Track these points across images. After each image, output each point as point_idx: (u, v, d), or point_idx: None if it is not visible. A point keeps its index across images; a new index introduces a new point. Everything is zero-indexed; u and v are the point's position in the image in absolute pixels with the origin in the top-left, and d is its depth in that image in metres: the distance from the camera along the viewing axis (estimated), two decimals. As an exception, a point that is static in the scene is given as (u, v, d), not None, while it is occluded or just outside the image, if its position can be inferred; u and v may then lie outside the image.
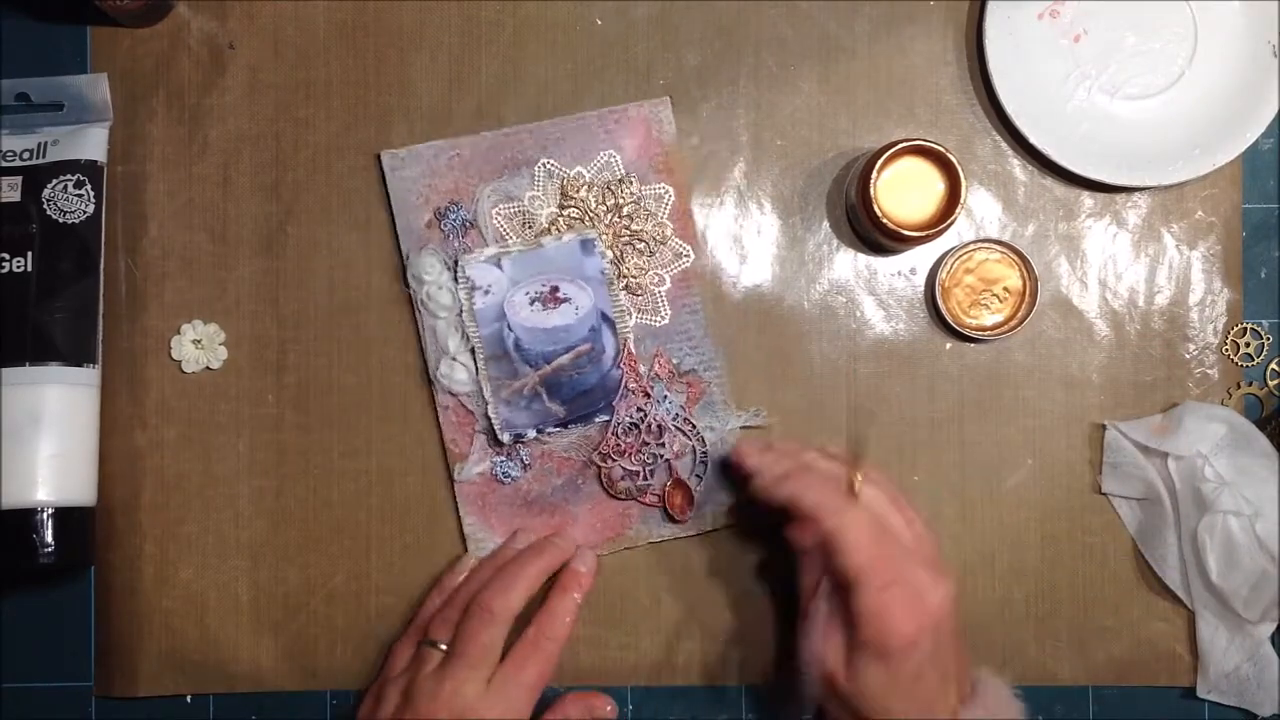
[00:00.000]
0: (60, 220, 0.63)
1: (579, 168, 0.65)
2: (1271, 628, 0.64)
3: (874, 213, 0.62)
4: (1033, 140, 0.65)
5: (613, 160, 0.65)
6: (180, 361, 0.66)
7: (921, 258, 0.67)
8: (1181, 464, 0.64)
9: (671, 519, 0.65)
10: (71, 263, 0.63)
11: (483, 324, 0.64)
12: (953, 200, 0.62)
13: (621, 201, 0.65)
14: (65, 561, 0.62)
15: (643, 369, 0.65)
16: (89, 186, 0.64)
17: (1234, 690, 0.65)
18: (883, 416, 0.66)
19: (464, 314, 0.64)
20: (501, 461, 0.65)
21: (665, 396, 0.65)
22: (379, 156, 0.65)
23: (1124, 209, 0.67)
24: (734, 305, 0.66)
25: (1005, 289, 0.66)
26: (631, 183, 0.65)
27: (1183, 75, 0.66)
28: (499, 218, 0.65)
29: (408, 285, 0.65)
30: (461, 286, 0.64)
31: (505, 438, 0.65)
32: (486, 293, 0.64)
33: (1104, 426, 0.66)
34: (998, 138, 0.67)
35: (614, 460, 0.65)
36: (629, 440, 0.65)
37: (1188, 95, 0.66)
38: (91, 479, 0.64)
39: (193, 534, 0.66)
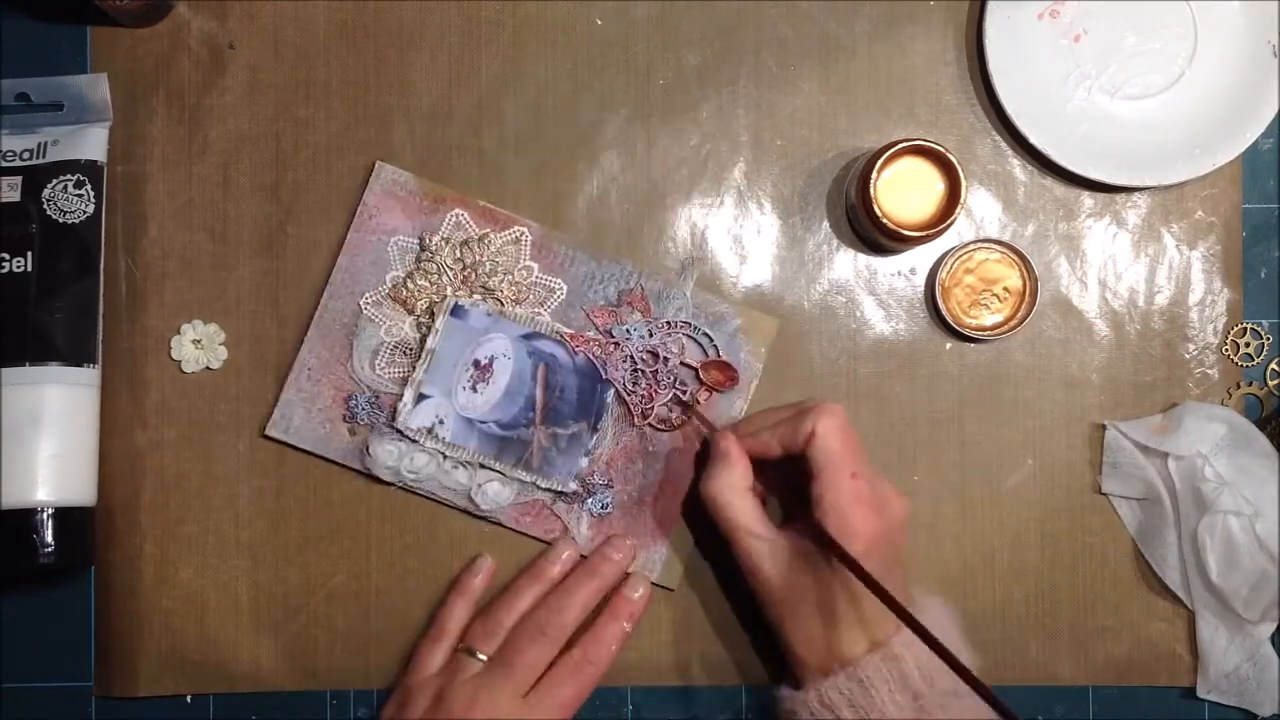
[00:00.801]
0: (60, 220, 0.63)
1: (393, 273, 0.65)
2: (1271, 628, 0.64)
3: (874, 213, 0.62)
4: (1033, 140, 0.65)
5: (408, 245, 0.65)
6: (180, 361, 0.66)
7: (921, 258, 0.67)
8: (1181, 464, 0.64)
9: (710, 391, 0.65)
10: (71, 263, 0.63)
11: (466, 442, 0.64)
12: (953, 200, 0.62)
13: (479, 258, 0.64)
14: (65, 561, 0.62)
15: (591, 333, 0.65)
16: (89, 186, 0.64)
17: (1234, 690, 0.65)
18: (883, 416, 0.66)
19: (447, 454, 0.64)
20: (592, 503, 0.65)
21: (625, 328, 0.64)
22: (266, 435, 0.65)
23: (1124, 209, 0.67)
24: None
25: (1005, 289, 0.66)
26: (489, 238, 0.65)
27: (1183, 75, 0.66)
28: (383, 372, 0.65)
29: (392, 483, 0.65)
30: (422, 440, 0.64)
31: (574, 486, 0.65)
32: (442, 422, 0.64)
33: (1104, 426, 0.66)
34: (998, 138, 0.67)
35: (650, 409, 0.65)
36: (644, 387, 0.65)
37: (1188, 95, 0.66)
38: (91, 479, 0.64)
39: (193, 534, 0.66)
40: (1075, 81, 0.66)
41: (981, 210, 0.67)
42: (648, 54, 0.67)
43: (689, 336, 0.65)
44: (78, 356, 0.63)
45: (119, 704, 0.67)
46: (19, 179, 0.64)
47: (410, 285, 0.64)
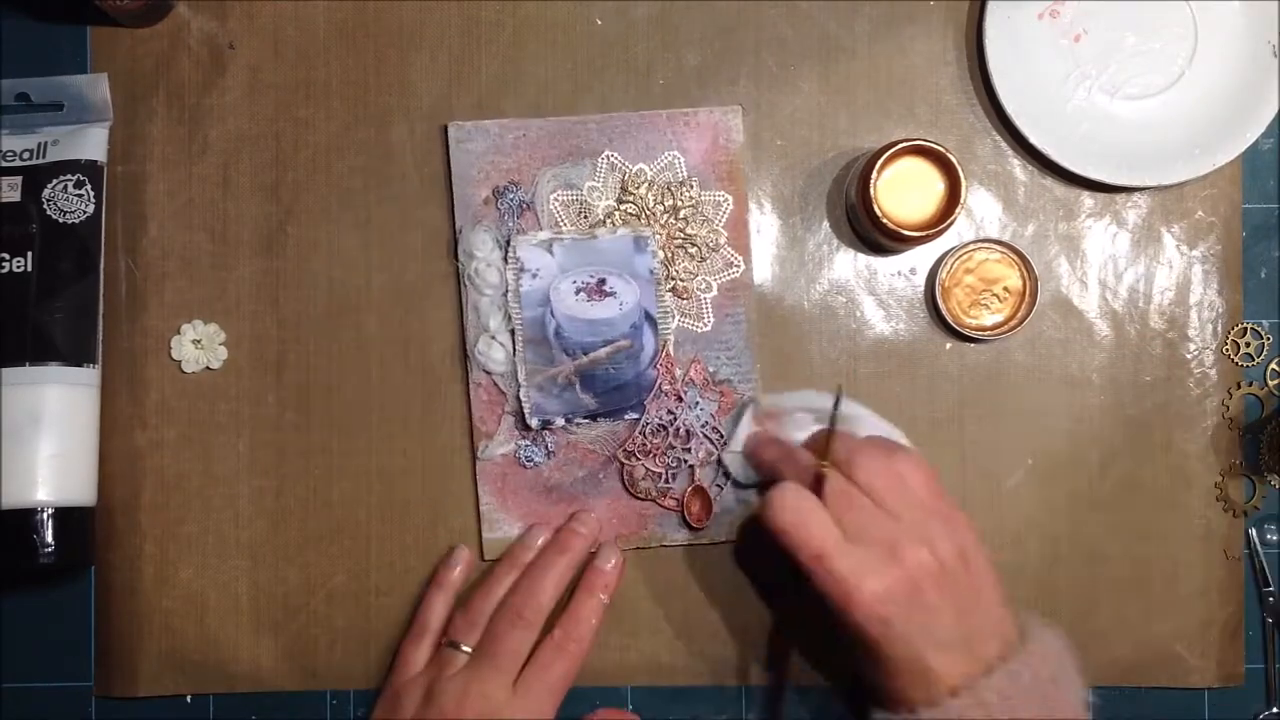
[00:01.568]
0: (60, 220, 0.63)
1: (641, 165, 0.65)
2: None
3: (874, 213, 0.62)
4: (1033, 140, 0.65)
5: (676, 161, 0.65)
6: (180, 361, 0.66)
7: (921, 258, 0.67)
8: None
9: (688, 525, 0.65)
10: (71, 263, 0.63)
11: (526, 307, 0.64)
12: (953, 200, 0.62)
13: (679, 204, 0.65)
14: (65, 561, 0.62)
15: (678, 372, 0.65)
16: (89, 186, 0.64)
17: None
18: (883, 416, 0.66)
19: (509, 294, 0.64)
20: (527, 445, 0.65)
21: (697, 403, 0.65)
22: (445, 128, 0.65)
23: (1124, 209, 0.67)
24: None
25: (1005, 289, 0.66)
26: (692, 186, 0.65)
27: (1183, 75, 0.66)
28: (556, 204, 0.65)
29: (457, 258, 0.65)
30: (510, 267, 0.64)
31: (534, 422, 0.65)
32: (534, 276, 0.64)
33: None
34: (998, 138, 0.67)
35: (638, 459, 0.65)
36: (656, 441, 0.65)
37: (1188, 95, 0.66)
38: (91, 479, 0.64)
39: (193, 534, 0.66)
40: (1075, 81, 0.66)
41: (981, 210, 0.67)
42: (648, 54, 0.67)
43: (718, 461, 0.65)
44: (78, 356, 0.63)
45: (119, 704, 0.67)
46: (19, 179, 0.64)
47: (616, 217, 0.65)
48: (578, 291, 0.64)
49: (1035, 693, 0.52)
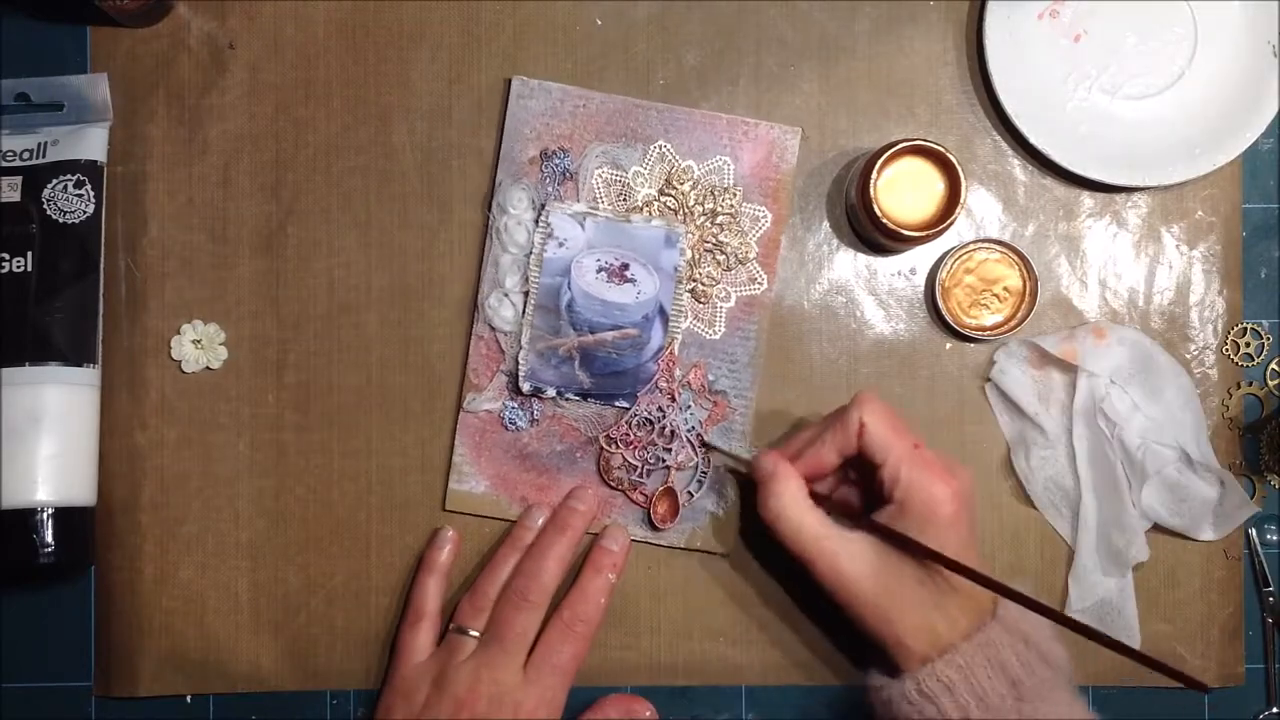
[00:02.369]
0: (60, 220, 0.63)
1: (690, 162, 0.65)
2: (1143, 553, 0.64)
3: (874, 213, 0.62)
4: (1033, 140, 0.65)
5: (725, 167, 0.65)
6: (180, 361, 0.66)
7: (921, 258, 0.67)
8: (1085, 381, 0.64)
9: (651, 524, 0.65)
10: (71, 263, 0.63)
11: (546, 272, 0.64)
12: (953, 200, 0.62)
13: (719, 209, 0.65)
14: (65, 561, 0.62)
15: (678, 373, 0.65)
16: (89, 186, 0.64)
17: (1096, 617, 0.65)
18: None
19: (532, 256, 0.64)
20: (513, 407, 0.65)
21: (689, 407, 0.65)
22: (509, 81, 0.65)
23: (1124, 209, 0.67)
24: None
25: (1005, 289, 0.66)
26: (735, 195, 0.65)
27: (1183, 75, 0.66)
28: (599, 180, 0.65)
29: (490, 209, 0.65)
30: (540, 230, 0.64)
31: (526, 387, 0.65)
32: (561, 244, 0.64)
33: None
34: (998, 138, 0.67)
35: (619, 448, 0.65)
36: (639, 434, 0.65)
37: (1188, 95, 0.66)
38: (91, 479, 0.64)
39: (193, 534, 0.66)
40: (1075, 81, 0.66)
41: (981, 210, 0.67)
42: (648, 54, 0.67)
43: (695, 465, 0.65)
44: (78, 356, 0.63)
45: (119, 704, 0.67)
46: (19, 179, 0.64)
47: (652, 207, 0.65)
48: (599, 270, 0.64)
49: (1010, 649, 0.56)
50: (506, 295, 0.65)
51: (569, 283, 0.64)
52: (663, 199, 0.65)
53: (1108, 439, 0.64)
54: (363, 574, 0.66)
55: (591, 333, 0.64)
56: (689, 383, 0.65)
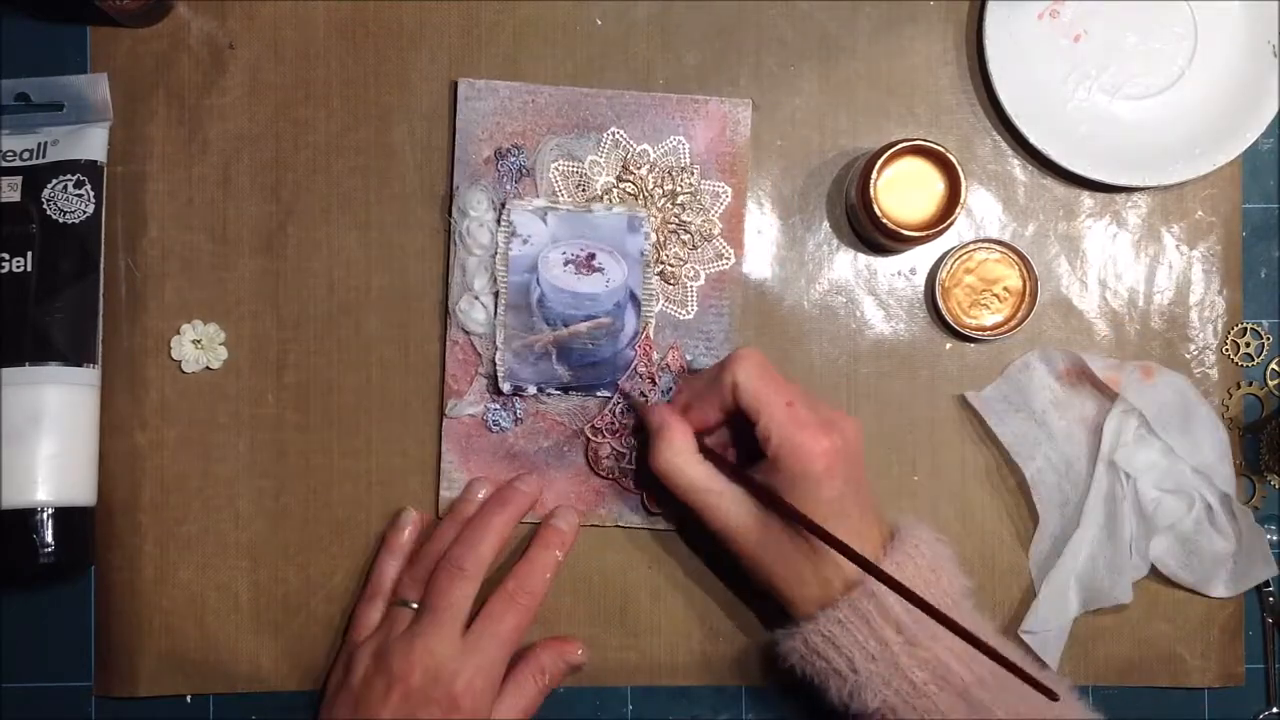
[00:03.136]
0: (60, 220, 0.63)
1: (645, 145, 0.65)
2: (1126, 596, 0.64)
3: (874, 213, 0.62)
4: (1033, 140, 0.65)
5: (680, 147, 0.65)
6: (180, 361, 0.66)
7: (921, 258, 0.67)
8: (1118, 413, 0.64)
9: (645, 508, 0.65)
10: (71, 263, 0.63)
11: (513, 271, 0.64)
12: (953, 200, 0.62)
13: (679, 189, 0.65)
14: (65, 561, 0.62)
15: (656, 357, 0.65)
16: (89, 186, 0.64)
17: (1039, 642, 0.64)
18: (883, 416, 0.66)
19: (498, 257, 0.64)
20: (495, 409, 0.65)
21: (670, 389, 0.65)
22: (455, 84, 0.65)
23: (1124, 209, 0.67)
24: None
25: (1005, 289, 0.66)
26: (693, 174, 0.65)
27: (1183, 75, 0.66)
28: (556, 173, 0.65)
29: (451, 214, 0.65)
30: (502, 229, 0.64)
31: (506, 387, 0.64)
32: (525, 241, 0.64)
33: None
34: (998, 138, 0.67)
35: (605, 437, 0.65)
36: (624, 421, 0.65)
37: (1188, 95, 0.66)
38: (91, 479, 0.64)
39: (193, 534, 0.66)
40: (1075, 81, 0.66)
41: (981, 210, 0.67)
42: (648, 54, 0.67)
43: None
44: (78, 356, 0.63)
45: (119, 704, 0.66)
46: (19, 179, 0.64)
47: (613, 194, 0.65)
48: (566, 263, 0.64)
49: (919, 580, 0.56)
50: (477, 298, 0.64)
51: (537, 278, 0.64)
52: (621, 185, 0.65)
53: (1122, 484, 0.64)
54: (363, 574, 0.66)
55: (565, 326, 0.64)
56: (668, 365, 0.65)
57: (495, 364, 0.64)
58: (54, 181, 0.64)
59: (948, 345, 0.67)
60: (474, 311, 0.65)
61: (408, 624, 0.61)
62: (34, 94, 0.66)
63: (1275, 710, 0.67)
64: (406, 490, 0.66)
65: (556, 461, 0.66)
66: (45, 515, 0.61)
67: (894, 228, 0.62)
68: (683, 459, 0.59)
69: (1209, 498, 0.64)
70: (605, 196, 0.65)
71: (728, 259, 0.66)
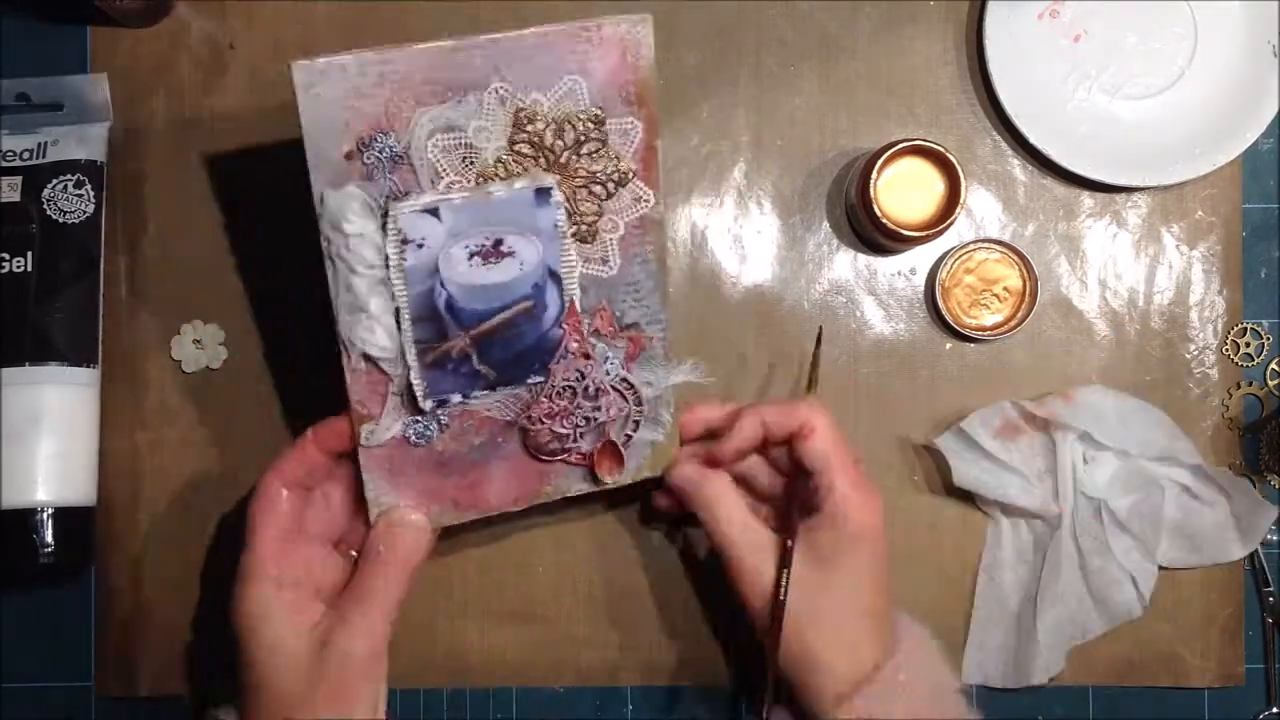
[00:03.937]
0: (60, 220, 0.63)
1: (536, 94, 0.54)
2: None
3: (874, 213, 0.62)
4: (1033, 140, 0.65)
5: (577, 88, 0.55)
6: (180, 361, 0.66)
7: (921, 258, 0.67)
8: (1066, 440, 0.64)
9: (594, 479, 0.61)
10: (71, 263, 0.63)
11: (412, 282, 0.55)
12: (953, 200, 0.62)
13: (583, 137, 0.55)
14: (65, 561, 0.62)
15: (584, 326, 0.58)
16: (89, 186, 0.64)
17: (998, 671, 0.65)
18: (883, 416, 0.66)
19: (392, 271, 0.54)
20: (415, 422, 0.57)
21: (606, 357, 0.59)
22: (288, 67, 0.52)
23: (1124, 209, 0.67)
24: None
25: (1005, 289, 0.66)
26: (597, 115, 0.55)
27: (1183, 75, 0.66)
28: (435, 150, 0.54)
29: (322, 232, 0.54)
30: (391, 239, 0.54)
31: (428, 405, 0.57)
32: (420, 246, 0.54)
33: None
34: (998, 138, 0.67)
35: (543, 423, 0.59)
36: (562, 404, 0.59)
37: (1188, 95, 0.66)
38: (91, 479, 0.64)
39: (192, 534, 0.66)
40: (1075, 81, 0.66)
41: (981, 210, 0.67)
42: (648, 54, 0.66)
43: (629, 411, 0.60)
44: (78, 356, 0.63)
45: (119, 704, 0.67)
46: (19, 179, 0.64)
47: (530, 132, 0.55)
48: (471, 256, 0.55)
49: (922, 686, 0.57)
50: (374, 320, 0.55)
51: (440, 281, 0.55)
52: (515, 147, 0.55)
53: (1099, 515, 0.64)
54: (363, 574, 0.66)
55: (482, 320, 0.56)
56: (598, 330, 0.58)
57: (410, 383, 0.56)
58: (54, 181, 0.64)
59: (948, 345, 0.67)
60: (375, 336, 0.55)
61: None
62: (34, 94, 0.66)
63: (1275, 710, 0.67)
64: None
65: (493, 454, 0.59)
66: (45, 515, 0.61)
67: (894, 228, 0.62)
68: (737, 530, 0.59)
69: (1181, 479, 0.64)
70: (500, 166, 0.55)
71: (646, 200, 0.57)
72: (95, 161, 0.65)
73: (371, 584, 0.56)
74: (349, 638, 0.55)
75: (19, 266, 0.63)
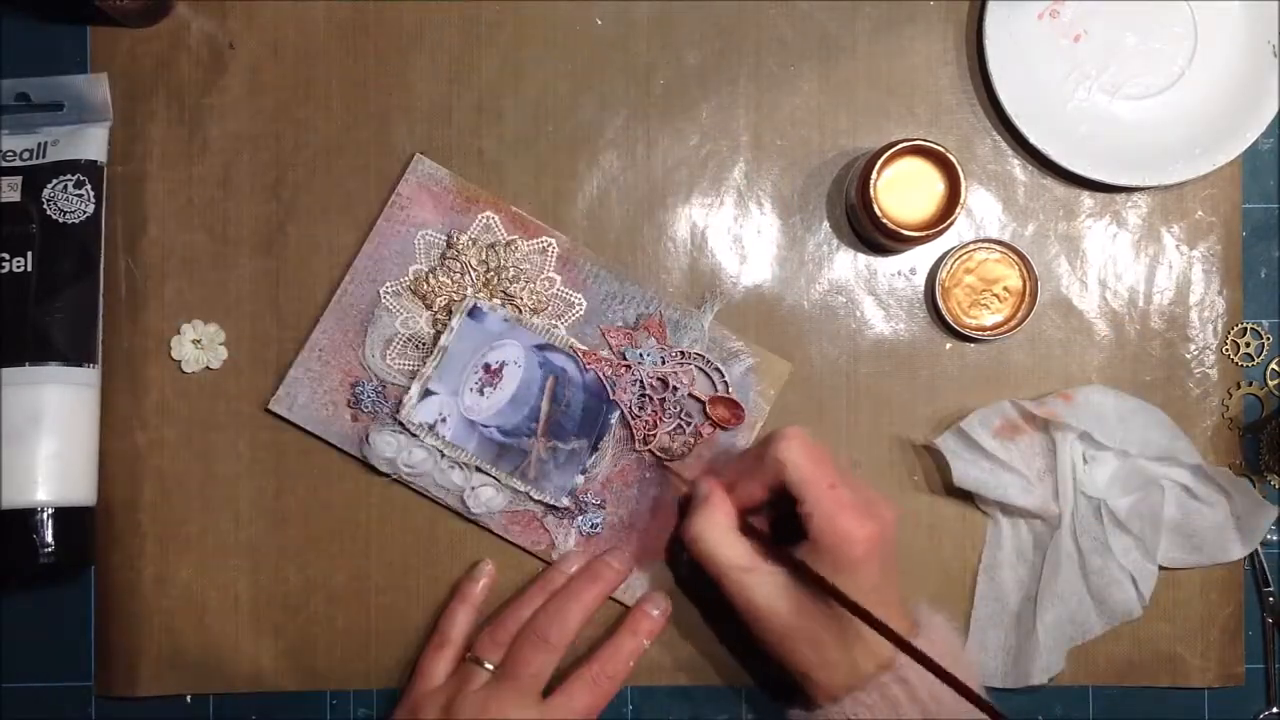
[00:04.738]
0: (60, 220, 0.63)
1: (416, 266, 0.65)
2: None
3: (874, 213, 0.62)
4: (1033, 140, 0.65)
5: (492, 223, 0.65)
6: (180, 361, 0.66)
7: (921, 258, 0.67)
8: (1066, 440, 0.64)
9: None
10: (71, 263, 0.63)
11: (465, 444, 0.64)
12: (953, 200, 0.62)
13: (502, 263, 0.64)
14: (65, 561, 0.62)
15: (604, 352, 0.65)
16: (89, 186, 0.64)
17: (999, 671, 0.65)
18: (883, 416, 0.66)
19: (445, 453, 0.64)
20: (581, 521, 0.65)
21: (639, 352, 0.64)
22: (270, 410, 0.65)
23: (1124, 209, 0.67)
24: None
25: (1005, 289, 0.66)
26: (512, 244, 0.64)
27: (1183, 75, 0.66)
28: (393, 363, 0.65)
29: (384, 474, 0.65)
30: (422, 434, 0.64)
31: (566, 502, 0.65)
32: (444, 420, 0.64)
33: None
34: (998, 138, 0.67)
35: (653, 435, 0.64)
36: (649, 412, 0.64)
37: (1188, 95, 0.66)
38: (91, 479, 0.64)
39: (193, 534, 0.66)
40: (1075, 81, 0.66)
41: (981, 210, 0.67)
42: (648, 54, 0.67)
43: (700, 369, 0.65)
44: (78, 356, 0.63)
45: (119, 704, 0.67)
46: (19, 179, 0.64)
47: (432, 280, 0.64)
48: (481, 390, 0.64)
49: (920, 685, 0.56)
50: (474, 489, 0.64)
51: (481, 426, 0.64)
52: (445, 264, 0.64)
53: (1099, 515, 0.64)
54: (363, 574, 0.66)
55: (537, 421, 0.64)
56: (618, 347, 0.64)
57: (551, 503, 0.64)
58: (54, 181, 0.64)
59: (948, 345, 0.67)
60: (483, 497, 0.65)
61: (482, 684, 0.61)
62: (34, 94, 0.66)
63: (1275, 710, 0.67)
64: (407, 490, 0.66)
65: (655, 486, 0.65)
66: (45, 515, 0.61)
67: (894, 228, 0.62)
68: (719, 534, 0.59)
69: (1181, 479, 0.64)
70: (436, 317, 0.64)
71: (579, 306, 0.65)
72: (95, 161, 0.65)
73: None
74: None
75: (19, 266, 0.63)
